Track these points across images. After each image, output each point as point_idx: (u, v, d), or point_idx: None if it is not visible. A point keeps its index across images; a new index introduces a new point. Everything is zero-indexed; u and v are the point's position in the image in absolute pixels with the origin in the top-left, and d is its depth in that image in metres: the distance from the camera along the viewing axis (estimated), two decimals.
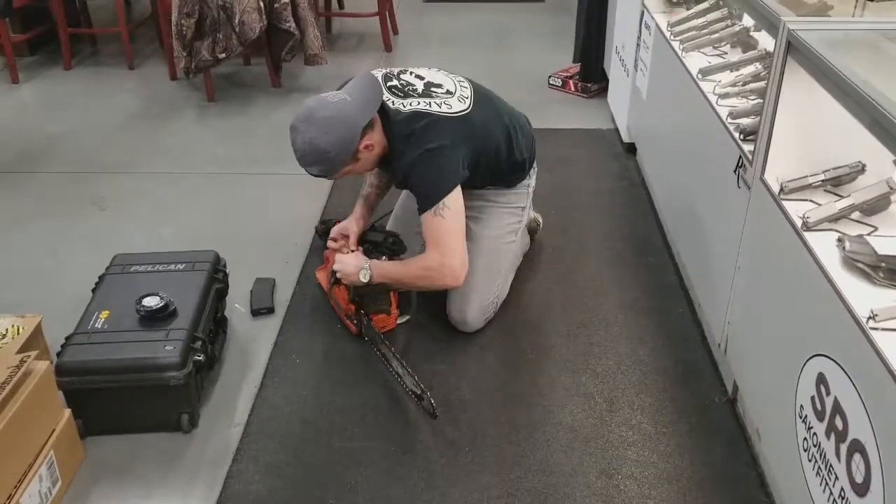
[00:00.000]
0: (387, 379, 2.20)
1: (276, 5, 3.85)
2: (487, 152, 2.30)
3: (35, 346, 2.10)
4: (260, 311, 2.48)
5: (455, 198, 2.16)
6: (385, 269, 2.26)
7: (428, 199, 2.15)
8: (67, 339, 2.03)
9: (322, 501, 1.85)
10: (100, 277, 2.28)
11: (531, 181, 2.53)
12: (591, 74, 4.11)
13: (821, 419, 1.46)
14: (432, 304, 2.42)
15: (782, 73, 1.69)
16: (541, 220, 2.80)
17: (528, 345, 2.34)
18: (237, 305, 2.50)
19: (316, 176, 2.19)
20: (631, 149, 3.42)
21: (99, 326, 2.05)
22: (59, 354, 1.99)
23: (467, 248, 2.23)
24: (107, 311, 2.10)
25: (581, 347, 2.32)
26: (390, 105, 2.21)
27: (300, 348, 2.34)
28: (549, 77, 4.25)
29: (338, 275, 2.29)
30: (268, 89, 4.20)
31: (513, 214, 2.48)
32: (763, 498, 1.82)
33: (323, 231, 2.58)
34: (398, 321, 2.38)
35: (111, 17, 5.00)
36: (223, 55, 3.84)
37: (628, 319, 2.43)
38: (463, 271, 2.18)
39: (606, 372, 2.22)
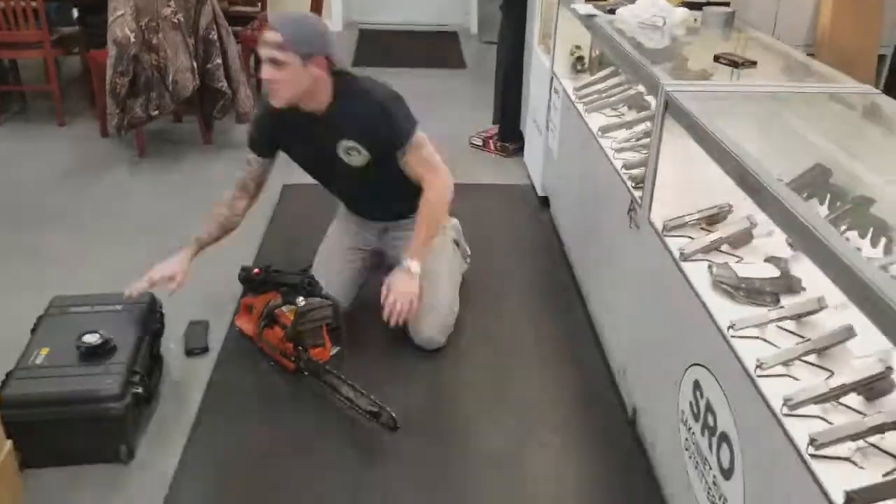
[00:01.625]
0: (328, 408, 2.33)
1: (208, 66, 4.05)
2: None
3: None
4: (194, 350, 2.59)
5: (422, 135, 2.44)
6: (419, 243, 2.46)
7: (404, 134, 2.40)
8: (8, 374, 2.12)
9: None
10: (38, 318, 2.37)
11: None
12: (508, 135, 4.42)
13: (697, 419, 1.69)
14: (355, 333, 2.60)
15: (661, 129, 1.97)
16: (469, 251, 3.01)
17: (451, 377, 2.53)
18: (171, 346, 2.61)
19: (277, 43, 2.21)
20: (545, 202, 3.70)
21: (39, 362, 2.15)
22: (0, 388, 2.07)
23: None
24: (46, 349, 2.20)
25: (501, 379, 2.51)
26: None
27: (235, 384, 2.47)
28: (471, 138, 4.54)
29: (406, 295, 2.40)
30: (199, 146, 4.35)
31: (442, 237, 2.69)
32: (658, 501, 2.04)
33: (244, 278, 2.71)
34: (331, 353, 2.54)
35: (39, 76, 5.10)
36: (156, 112, 3.99)
37: (542, 354, 2.64)
38: (450, 178, 2.50)
39: (524, 400, 2.42)
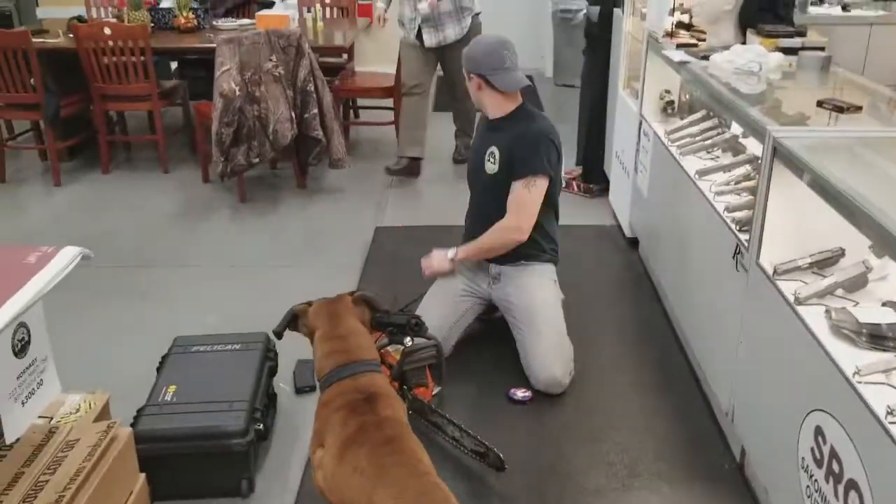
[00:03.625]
0: (441, 446, 2.39)
1: (305, 115, 4.24)
2: (557, 179, 2.82)
3: (105, 420, 2.31)
4: (304, 388, 2.70)
5: (543, 183, 2.69)
6: (466, 248, 2.78)
7: (526, 168, 2.66)
8: (139, 410, 2.26)
9: None
10: (163, 357, 2.51)
11: (554, 268, 2.93)
12: (592, 176, 4.47)
13: (820, 466, 1.69)
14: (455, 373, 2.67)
15: (770, 174, 2.00)
16: (561, 295, 3.06)
17: (551, 418, 2.56)
18: (282, 385, 2.72)
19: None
20: (633, 243, 3.73)
21: (168, 399, 2.28)
22: (133, 424, 2.20)
23: (530, 313, 2.70)
24: (174, 386, 2.33)
25: (600, 421, 2.54)
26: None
27: None
28: None
29: (433, 264, 2.82)
30: (294, 190, 4.54)
31: (550, 285, 2.85)
32: None
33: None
34: (433, 392, 2.60)
35: (142, 126, 5.40)
36: (257, 160, 4.19)
37: (641, 395, 2.66)
38: (529, 231, 2.70)
39: (625, 442, 2.44)
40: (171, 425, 2.18)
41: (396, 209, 4.29)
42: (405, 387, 2.52)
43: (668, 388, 2.70)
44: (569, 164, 4.65)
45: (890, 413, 1.44)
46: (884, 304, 1.83)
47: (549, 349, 2.64)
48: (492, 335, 2.92)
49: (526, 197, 2.67)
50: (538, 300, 2.74)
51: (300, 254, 3.74)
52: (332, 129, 4.35)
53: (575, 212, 4.24)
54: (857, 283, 1.89)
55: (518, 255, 2.77)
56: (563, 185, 4.50)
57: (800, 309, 1.84)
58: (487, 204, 2.79)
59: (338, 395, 1.69)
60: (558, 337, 2.70)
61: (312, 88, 4.21)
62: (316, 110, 4.24)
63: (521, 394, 2.63)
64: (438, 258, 2.82)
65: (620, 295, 3.35)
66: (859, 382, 1.56)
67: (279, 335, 1.99)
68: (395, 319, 2.61)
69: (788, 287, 1.93)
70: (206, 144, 4.34)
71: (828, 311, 1.77)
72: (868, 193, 1.64)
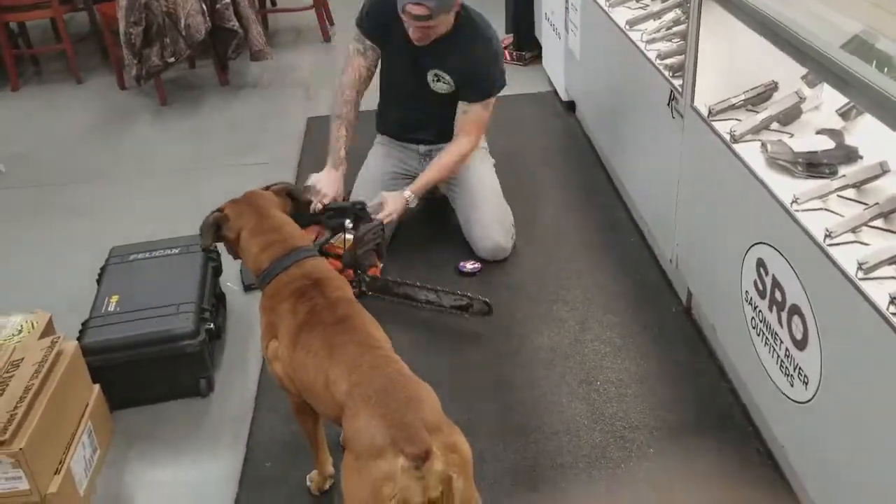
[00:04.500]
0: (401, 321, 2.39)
1: (217, 6, 4.00)
2: None
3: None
4: (252, 286, 2.65)
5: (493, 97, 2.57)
6: (422, 182, 2.57)
7: (483, 90, 2.54)
8: (84, 323, 2.20)
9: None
10: (101, 269, 2.43)
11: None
12: (524, 43, 4.36)
13: (763, 297, 1.73)
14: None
15: (699, 13, 1.95)
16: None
17: (500, 283, 2.58)
18: (229, 284, 2.67)
19: (423, 15, 2.30)
20: (570, 107, 3.68)
21: (112, 310, 2.22)
22: (79, 337, 2.15)
23: (467, 186, 2.66)
24: (116, 296, 2.26)
25: (549, 283, 2.57)
26: None
27: None
28: None
29: (391, 214, 2.49)
30: (217, 88, 4.34)
31: (483, 154, 2.81)
32: (724, 384, 2.10)
33: None
34: (380, 267, 2.60)
35: (46, 37, 5.06)
36: (172, 59, 3.97)
37: (587, 254, 2.69)
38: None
39: (574, 300, 2.47)
40: (120, 334, 2.13)
41: (327, 97, 4.14)
42: (359, 271, 2.51)
43: (614, 244, 2.73)
44: (500, 33, 4.52)
45: (828, 236, 1.47)
46: (818, 133, 1.84)
47: (488, 217, 2.64)
48: (435, 213, 2.89)
49: (484, 116, 2.61)
50: (472, 170, 2.71)
51: (231, 154, 3.60)
52: (249, 19, 4.13)
53: (509, 81, 4.14)
54: (791, 115, 1.89)
55: (446, 133, 2.68)
56: None
57: (736, 147, 1.84)
58: (430, 113, 2.68)
59: (285, 284, 1.65)
60: (496, 203, 2.69)
61: None
62: (228, 0, 4.00)
63: (470, 266, 2.64)
64: (395, 204, 2.54)
65: (561, 159, 3.33)
66: (797, 211, 1.58)
67: (208, 248, 1.89)
68: (337, 205, 2.57)
69: (724, 127, 1.92)
70: (116, 48, 4.09)
71: (763, 145, 1.77)
72: (800, 21, 1.61)
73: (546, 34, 3.97)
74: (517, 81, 4.11)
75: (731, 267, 1.86)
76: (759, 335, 1.78)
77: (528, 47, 4.36)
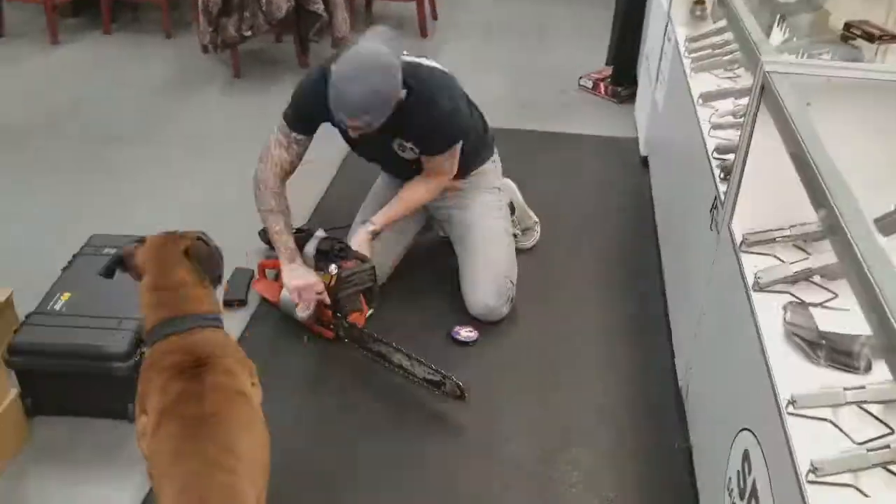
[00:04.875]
0: (373, 373, 2.19)
1: None
2: (470, 110, 2.38)
3: (3, 318, 2.13)
4: (232, 302, 2.46)
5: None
6: (387, 216, 2.35)
7: (446, 146, 2.26)
8: (27, 317, 2.06)
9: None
10: (73, 256, 2.29)
11: (497, 158, 2.56)
12: (622, 78, 3.97)
13: (742, 497, 1.36)
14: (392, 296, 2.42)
15: (755, 117, 1.57)
16: (537, 220, 2.76)
17: (492, 359, 2.28)
18: None
19: (361, 127, 2.06)
20: (647, 162, 3.29)
21: (58, 308, 2.06)
22: (14, 333, 2.01)
23: (462, 238, 2.41)
24: (68, 293, 2.11)
25: (547, 371, 2.24)
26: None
27: (265, 346, 2.32)
28: (580, 78, 4.11)
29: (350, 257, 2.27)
30: (294, 68, 4.17)
31: (490, 193, 2.49)
32: None
33: (266, 240, 2.49)
34: (368, 314, 2.36)
35: None
36: (249, 33, 3.82)
37: (605, 346, 2.34)
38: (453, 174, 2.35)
39: (566, 402, 2.14)
40: (51, 339, 1.97)
41: None
42: (338, 314, 2.27)
43: (637, 342, 2.35)
44: (599, 63, 4.14)
45: (812, 470, 1.09)
46: None
47: (483, 272, 2.35)
48: (438, 254, 2.61)
49: (449, 164, 2.33)
50: (476, 212, 2.43)
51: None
52: (336, 4, 3.93)
53: (596, 118, 3.79)
54: (840, 270, 1.48)
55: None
56: (591, 87, 4.05)
57: (756, 297, 1.46)
58: (409, 171, 2.40)
59: (164, 354, 1.43)
60: (495, 257, 2.38)
61: None
62: None
63: (464, 333, 2.34)
64: (357, 239, 2.34)
65: (614, 224, 2.94)
66: (791, 415, 1.20)
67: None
68: (321, 245, 2.33)
69: (755, 263, 1.54)
70: (196, 12, 3.98)
71: (785, 308, 1.39)
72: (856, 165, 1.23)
73: (643, 75, 3.57)
74: (603, 120, 3.76)
75: (723, 440, 1.49)
76: None
77: (626, 82, 3.96)
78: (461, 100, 2.29)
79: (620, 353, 2.31)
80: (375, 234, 2.35)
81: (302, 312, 2.24)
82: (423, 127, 2.21)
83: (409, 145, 2.28)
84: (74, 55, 4.32)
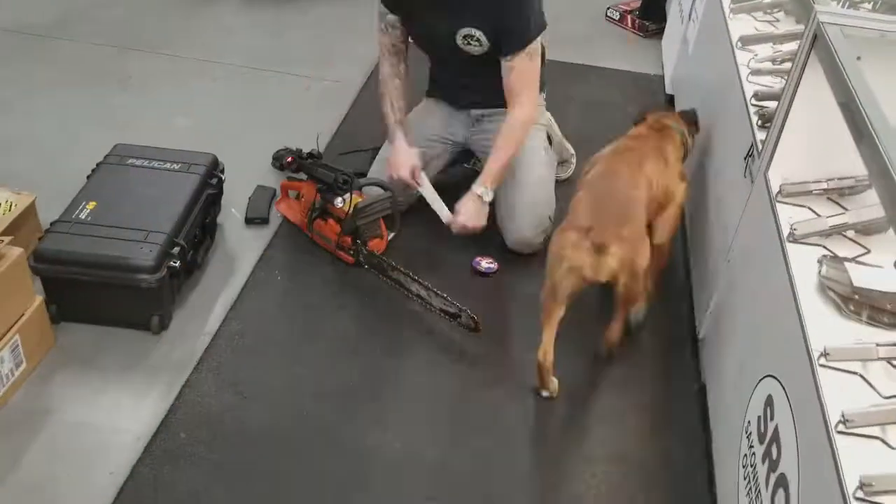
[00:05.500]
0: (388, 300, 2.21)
1: None
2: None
3: (27, 224, 2.14)
4: (254, 220, 2.47)
5: (539, 40, 2.22)
6: (493, 175, 2.26)
7: (520, 36, 2.18)
8: (52, 224, 2.06)
9: (275, 428, 1.87)
10: (97, 165, 2.28)
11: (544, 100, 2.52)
12: (651, 12, 3.87)
13: (762, 441, 1.40)
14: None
15: (804, 68, 1.54)
16: (573, 152, 2.74)
17: (511, 290, 2.30)
18: (233, 210, 2.49)
19: None
20: (672, 100, 3.24)
21: (83, 217, 2.07)
22: (39, 240, 2.02)
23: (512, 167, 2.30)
24: (94, 203, 2.11)
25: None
26: None
27: (289, 264, 2.35)
28: (608, 8, 4.01)
29: (470, 224, 2.26)
30: None
31: (536, 131, 2.42)
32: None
33: (277, 167, 2.45)
34: (389, 238, 2.37)
35: None
36: None
37: None
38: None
39: (577, 336, 2.15)
40: (77, 248, 1.99)
41: None
42: (358, 241, 2.28)
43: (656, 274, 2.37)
44: None
45: (842, 421, 1.13)
46: None
47: (523, 205, 2.31)
48: (463, 186, 2.56)
49: (530, 70, 2.24)
50: (523, 146, 2.36)
51: (299, 59, 3.36)
52: None
53: (622, 52, 3.70)
54: (876, 227, 1.49)
55: (499, 94, 2.33)
56: (618, 18, 3.96)
57: (791, 248, 1.47)
58: (474, 78, 2.35)
59: None
60: (534, 189, 2.34)
61: None
62: None
63: (485, 264, 2.35)
64: (472, 212, 2.25)
65: None
66: (823, 366, 1.23)
67: None
68: (321, 174, 2.31)
69: (790, 215, 1.55)
70: None
71: (820, 262, 1.40)
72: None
73: (673, 11, 3.49)
74: (628, 55, 3.69)
75: (741, 392, 1.53)
76: (745, 478, 1.46)
77: (654, 17, 3.86)
78: None
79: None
80: (488, 199, 2.26)
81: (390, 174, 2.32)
82: (495, 5, 2.13)
83: (476, 33, 2.18)
84: None
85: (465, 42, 2.22)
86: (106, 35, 3.42)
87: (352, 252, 2.30)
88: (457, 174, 2.58)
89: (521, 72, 2.22)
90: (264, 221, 2.47)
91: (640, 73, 3.54)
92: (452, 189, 2.38)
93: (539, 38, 2.22)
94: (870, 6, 1.95)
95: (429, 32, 2.28)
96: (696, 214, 2.38)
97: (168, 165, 2.27)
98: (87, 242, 1.99)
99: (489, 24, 2.17)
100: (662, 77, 3.45)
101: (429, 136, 2.46)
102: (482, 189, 2.24)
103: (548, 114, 2.56)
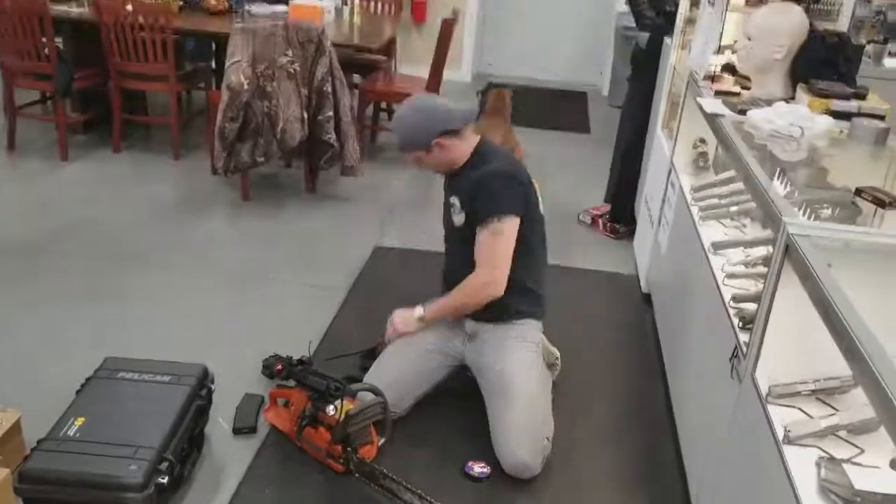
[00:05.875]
0: None
1: (319, 117, 3.98)
2: (532, 219, 2.46)
3: (11, 442, 2.10)
4: (242, 429, 2.44)
5: (513, 225, 2.37)
6: (435, 307, 2.50)
7: (489, 213, 2.34)
8: (39, 443, 2.02)
9: None
10: (87, 379, 2.28)
11: (541, 322, 2.60)
12: (620, 216, 4.11)
13: None
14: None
15: (779, 274, 1.64)
16: (558, 354, 2.76)
17: (504, 500, 2.25)
18: (220, 420, 2.47)
19: (399, 147, 2.53)
20: (648, 299, 3.36)
21: (71, 434, 2.04)
22: (25, 459, 1.98)
23: (498, 379, 2.39)
24: (82, 418, 2.09)
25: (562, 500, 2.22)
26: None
27: (274, 478, 2.29)
28: (580, 213, 4.26)
29: (397, 326, 2.52)
30: (302, 194, 4.29)
31: (528, 350, 2.48)
32: None
33: (267, 374, 2.46)
34: (379, 444, 2.34)
35: (167, 108, 5.23)
36: (262, 159, 3.95)
37: (617, 488, 2.32)
38: (504, 283, 2.38)
39: None
40: (63, 467, 1.94)
41: (403, 227, 4.00)
42: (349, 448, 2.25)
43: (651, 482, 2.35)
44: (598, 200, 4.31)
45: None
46: (894, 464, 1.46)
47: (517, 426, 2.31)
48: (465, 398, 2.58)
49: (494, 245, 2.36)
50: (513, 365, 2.41)
51: (287, 267, 3.47)
52: (348, 135, 4.08)
53: (596, 254, 3.89)
54: (866, 427, 1.53)
55: (496, 312, 2.45)
56: (589, 222, 4.19)
57: (787, 450, 1.49)
58: (460, 257, 2.47)
59: None
60: (529, 408, 2.35)
61: (330, 89, 3.94)
62: (331, 113, 3.97)
63: (478, 469, 2.32)
64: (403, 319, 2.53)
65: (620, 358, 2.99)
66: None
67: None
68: (314, 383, 2.32)
69: (782, 416, 1.58)
70: (212, 136, 4.12)
71: (818, 464, 1.42)
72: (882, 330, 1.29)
73: (642, 215, 3.71)
74: (604, 256, 3.87)
75: None
76: None
77: (623, 220, 4.10)
78: (519, 177, 2.42)
79: (635, 496, 2.29)
80: (422, 322, 2.51)
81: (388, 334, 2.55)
82: (473, 181, 2.39)
83: (457, 202, 2.44)
84: (83, 172, 4.40)
85: (452, 208, 2.48)
86: (96, 250, 3.51)
87: (342, 460, 2.26)
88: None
89: (482, 244, 2.38)
90: (252, 431, 2.44)
91: (613, 273, 3.70)
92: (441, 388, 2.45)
93: (507, 221, 2.35)
94: (829, 212, 2.11)
95: (445, 200, 2.56)
96: (684, 414, 2.40)
97: (158, 378, 2.27)
98: (74, 460, 1.95)
99: (466, 200, 2.41)
100: (636, 276, 3.60)
101: (426, 347, 2.52)
102: (420, 308, 2.50)
103: (540, 334, 2.60)
